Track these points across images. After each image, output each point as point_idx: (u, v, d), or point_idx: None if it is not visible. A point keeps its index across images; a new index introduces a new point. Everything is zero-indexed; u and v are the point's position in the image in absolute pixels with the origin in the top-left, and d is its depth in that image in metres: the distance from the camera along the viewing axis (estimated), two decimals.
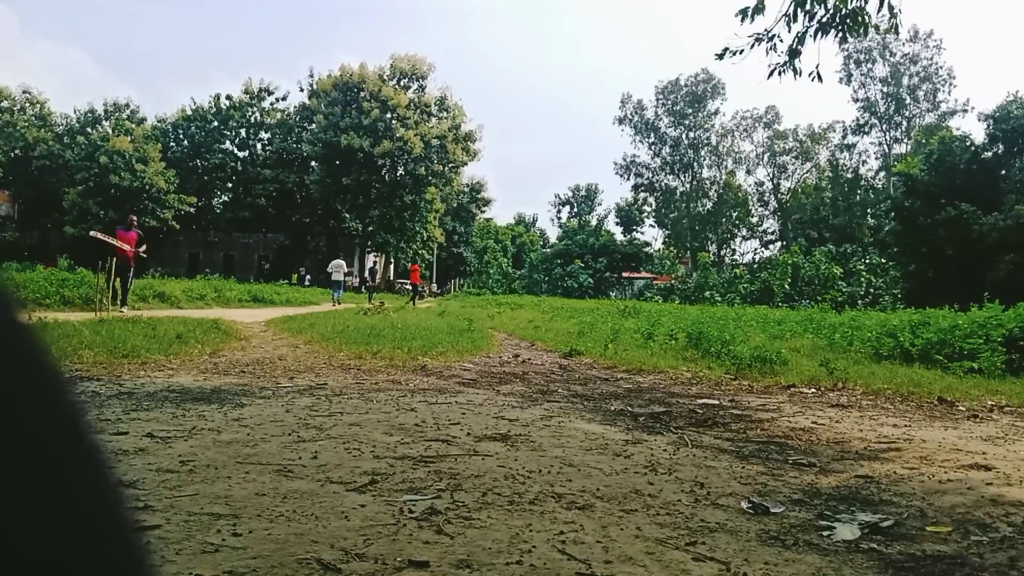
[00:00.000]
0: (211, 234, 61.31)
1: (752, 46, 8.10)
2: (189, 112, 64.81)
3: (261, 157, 63.85)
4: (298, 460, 3.48)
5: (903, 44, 66.35)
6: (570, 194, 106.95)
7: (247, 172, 63.23)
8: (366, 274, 39.45)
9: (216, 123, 64.13)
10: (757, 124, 79.05)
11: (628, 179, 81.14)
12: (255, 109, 65.36)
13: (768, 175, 79.67)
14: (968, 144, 31.71)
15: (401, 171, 54.57)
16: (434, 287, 68.73)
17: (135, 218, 15.49)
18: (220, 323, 11.57)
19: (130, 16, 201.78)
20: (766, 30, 8.06)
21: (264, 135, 65.47)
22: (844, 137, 72.11)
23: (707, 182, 79.59)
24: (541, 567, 2.24)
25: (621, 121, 79.70)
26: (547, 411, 5.31)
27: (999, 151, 31.51)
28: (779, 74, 8.18)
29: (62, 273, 19.69)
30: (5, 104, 65.70)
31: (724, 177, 79.10)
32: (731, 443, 4.42)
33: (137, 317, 11.23)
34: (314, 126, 55.40)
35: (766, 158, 78.79)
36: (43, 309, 13.32)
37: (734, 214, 79.24)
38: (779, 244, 74.42)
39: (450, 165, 56.28)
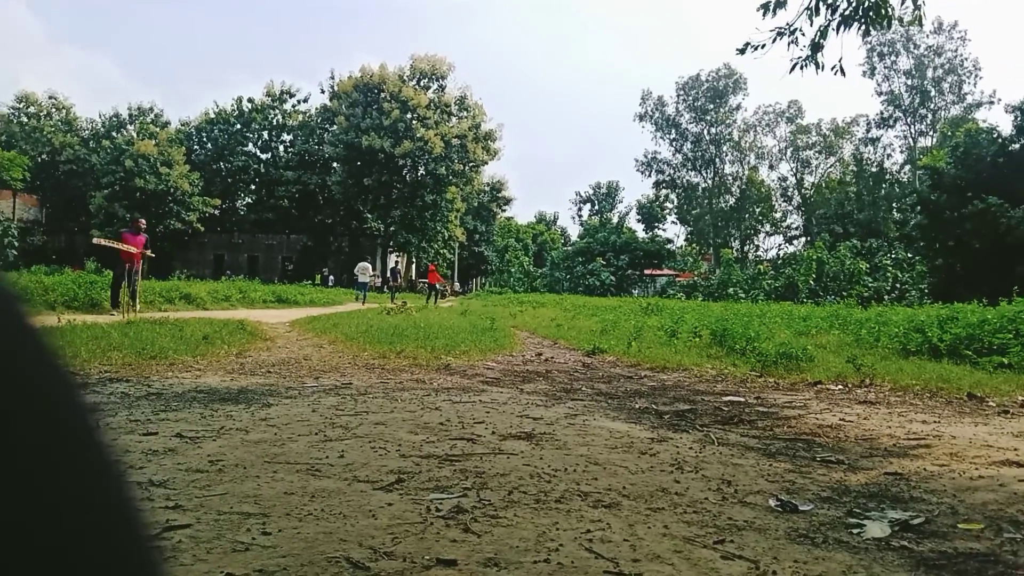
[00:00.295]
0: (235, 236, 61.90)
1: (774, 40, 8.05)
2: (212, 115, 65.48)
3: (283, 159, 64.36)
4: (325, 459, 3.51)
5: (927, 36, 65.59)
6: (591, 192, 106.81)
7: (270, 174, 63.75)
8: (388, 274, 39.70)
9: (239, 126, 64.73)
10: (779, 119, 78.49)
11: (649, 176, 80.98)
12: (277, 111, 65.89)
13: (791, 170, 79.07)
14: (995, 136, 31.24)
15: (422, 171, 54.76)
16: (456, 286, 68.95)
17: (143, 222, 15.33)
18: (246, 324, 11.68)
19: (153, 22, 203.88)
20: (788, 24, 8.01)
21: (286, 137, 65.99)
22: (868, 131, 71.41)
23: (729, 178, 79.12)
24: (569, 565, 2.24)
25: (641, 118, 79.47)
26: (571, 409, 5.30)
27: None
28: (801, 68, 8.12)
29: (89, 276, 19.98)
30: (32, 110, 66.76)
31: (747, 173, 78.56)
32: (758, 440, 4.39)
33: (164, 319, 11.36)
34: (335, 127, 55.74)
35: (789, 153, 78.17)
36: (71, 312, 13.50)
37: (757, 210, 78.67)
38: (803, 240, 73.80)
39: (470, 164, 56.40)
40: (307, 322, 14.30)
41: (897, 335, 10.45)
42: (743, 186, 78.30)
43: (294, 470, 3.29)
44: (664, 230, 78.67)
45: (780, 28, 7.95)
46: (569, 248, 58.19)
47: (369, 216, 57.55)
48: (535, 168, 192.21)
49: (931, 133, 65.94)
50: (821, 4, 7.64)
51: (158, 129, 61.74)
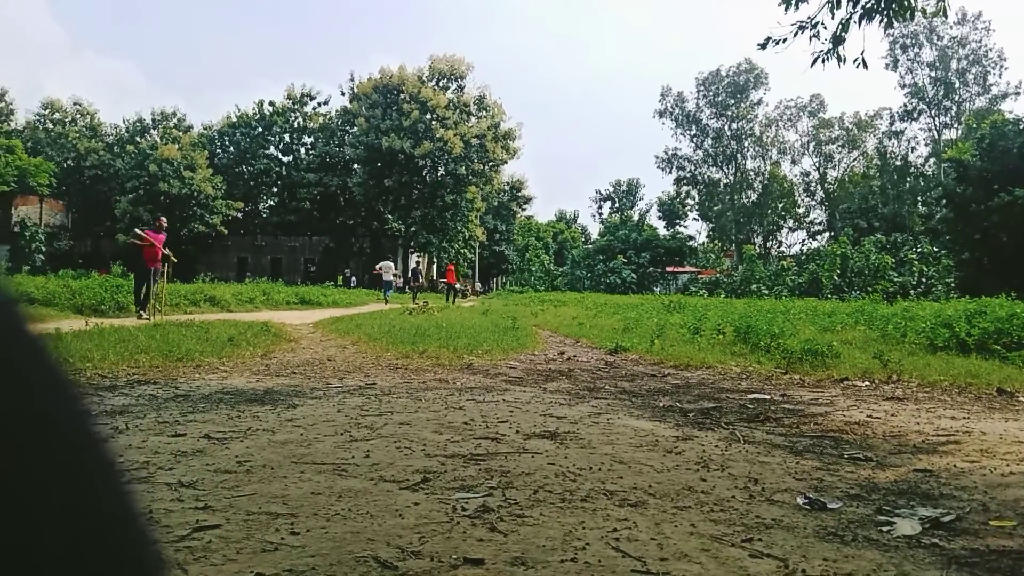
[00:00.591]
0: (258, 238, 62.43)
1: (795, 34, 7.99)
2: (234, 119, 66.05)
3: (305, 161, 64.79)
4: (351, 459, 3.53)
5: (950, 27, 64.72)
6: (611, 189, 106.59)
7: (291, 176, 64.21)
8: (409, 274, 39.93)
9: (260, 129, 65.25)
10: (802, 113, 77.82)
11: (670, 172, 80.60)
12: (298, 114, 66.34)
13: (814, 165, 78.41)
14: (1021, 127, 30.73)
15: (442, 171, 54.87)
16: (477, 286, 69.00)
17: (164, 220, 15.21)
18: (270, 325, 11.77)
19: (175, 28, 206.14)
20: (809, 18, 7.94)
21: (307, 139, 66.43)
22: (892, 124, 70.63)
23: (751, 173, 78.56)
24: (596, 564, 2.24)
25: (661, 114, 79.12)
26: (595, 408, 5.30)
27: None
28: (823, 62, 8.05)
29: (116, 279, 20.24)
30: (57, 116, 67.79)
31: (769, 168, 77.94)
32: (784, 438, 4.36)
33: (190, 321, 11.48)
34: (355, 129, 56.01)
35: (811, 147, 77.50)
36: (98, 315, 13.69)
37: (780, 205, 78.05)
38: (827, 235, 73.14)
39: (490, 164, 56.42)
40: (330, 323, 14.39)
41: (924, 330, 10.32)
42: (765, 181, 77.69)
43: (321, 470, 3.32)
44: (685, 227, 78.25)
45: (802, 22, 7.89)
46: (590, 246, 58.05)
47: (390, 217, 57.77)
48: (555, 166, 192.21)
49: (956, 125, 65.04)
50: None
51: (181, 134, 62.44)
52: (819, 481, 3.33)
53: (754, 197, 78.04)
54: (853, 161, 76.41)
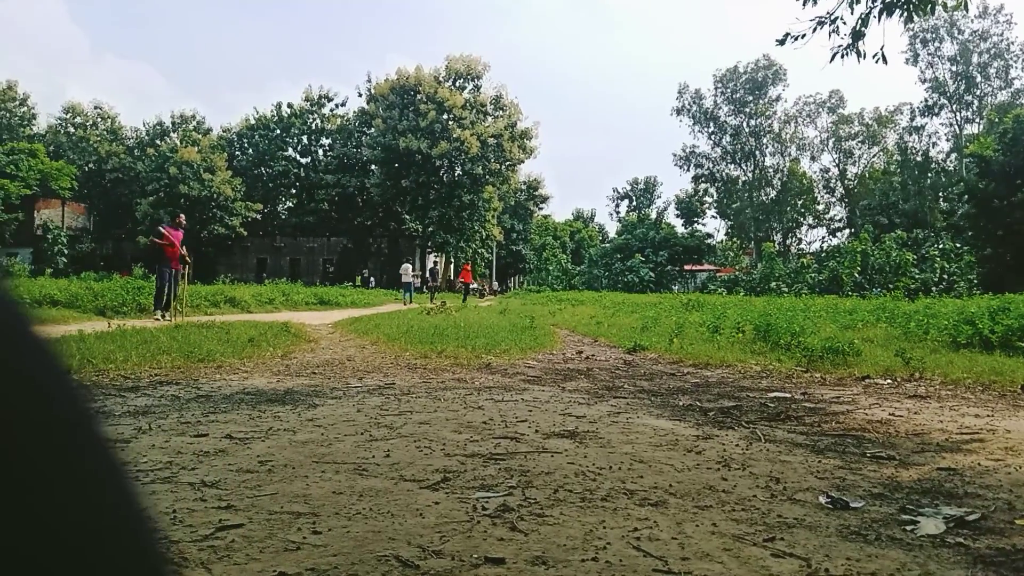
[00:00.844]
0: (277, 239, 62.83)
1: (814, 30, 7.93)
2: (252, 121, 66.55)
3: (323, 163, 65.17)
4: (372, 459, 3.54)
5: (971, 21, 63.89)
6: (628, 188, 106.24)
7: (310, 178, 64.60)
8: (427, 274, 40.10)
9: (278, 131, 65.69)
10: (821, 109, 77.14)
11: (688, 170, 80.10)
12: (315, 116, 66.73)
13: (834, 161, 77.74)
14: None
15: (459, 171, 54.98)
16: (495, 285, 69.05)
17: (183, 218, 15.02)
18: (289, 326, 11.85)
19: (194, 31, 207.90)
20: (828, 13, 7.88)
21: (325, 141, 66.81)
22: (912, 119, 69.82)
23: (770, 170, 77.98)
24: (617, 564, 2.24)
25: (679, 112, 78.69)
26: (614, 407, 5.28)
27: None
28: (842, 57, 7.98)
29: (137, 281, 20.45)
30: (79, 120, 68.61)
31: (788, 164, 77.36)
32: (805, 437, 4.33)
33: (211, 322, 11.57)
34: (373, 130, 56.24)
35: (831, 144, 76.82)
36: (120, 317, 13.82)
37: (799, 202, 77.45)
38: (847, 232, 72.52)
39: (507, 163, 56.47)
40: (349, 323, 14.46)
41: (946, 327, 10.21)
42: (784, 178, 77.10)
43: (341, 470, 3.33)
44: (704, 225, 77.67)
45: (820, 17, 7.84)
46: (607, 245, 57.88)
47: (407, 217, 57.97)
48: (572, 165, 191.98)
49: (978, 120, 64.24)
50: None
51: (201, 136, 63.00)
52: (841, 480, 3.31)
53: (773, 194, 77.46)
54: (873, 157, 75.70)
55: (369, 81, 60.18)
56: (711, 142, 78.43)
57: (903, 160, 68.58)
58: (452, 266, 61.45)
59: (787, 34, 8.05)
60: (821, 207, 79.22)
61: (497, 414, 4.84)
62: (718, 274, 47.51)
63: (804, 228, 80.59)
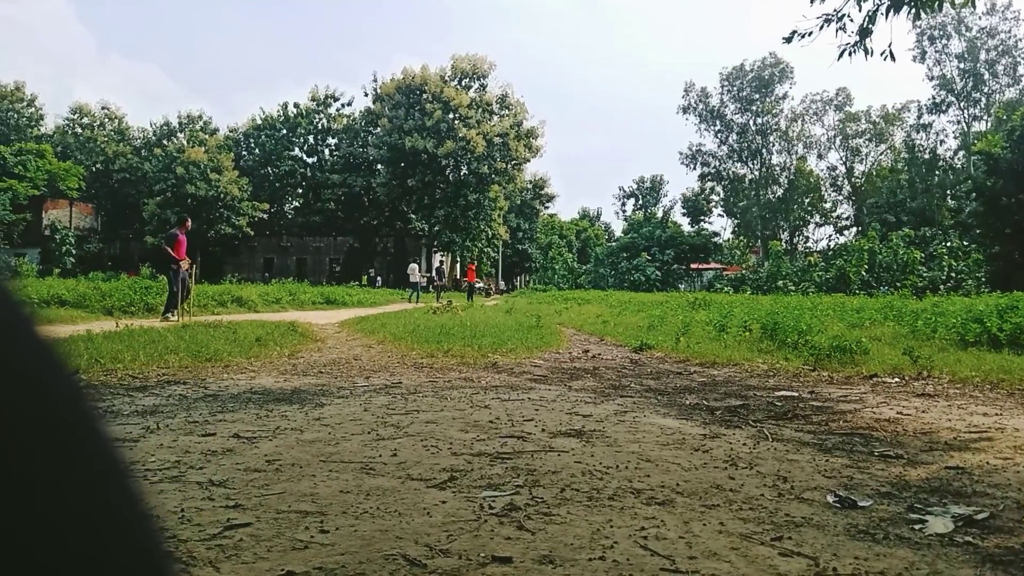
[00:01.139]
0: (284, 239, 62.98)
1: (821, 27, 7.91)
2: (259, 121, 66.73)
3: (329, 162, 65.31)
4: (379, 458, 3.55)
5: (979, 18, 63.59)
6: (634, 186, 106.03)
7: (316, 178, 64.75)
8: (433, 273, 40.16)
9: (285, 131, 65.86)
10: (828, 107, 76.94)
11: (694, 168, 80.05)
12: (322, 116, 66.88)
13: (841, 159, 77.52)
14: None
15: (465, 170, 55.02)
16: (501, 284, 69.06)
17: (189, 221, 14.96)
18: (296, 325, 11.87)
19: (200, 31, 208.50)
20: (835, 10, 7.86)
21: (331, 141, 66.96)
22: (920, 117, 69.50)
23: (777, 168, 77.81)
24: (624, 563, 2.23)
25: (685, 110, 78.58)
26: (621, 406, 5.28)
27: None
28: (850, 55, 7.95)
29: (145, 281, 20.52)
30: (86, 121, 68.89)
31: (795, 163, 77.16)
32: (813, 436, 4.32)
33: (218, 322, 11.61)
34: (379, 130, 56.35)
35: (838, 142, 76.62)
36: (128, 317, 13.87)
37: (806, 200, 77.25)
38: (854, 230, 72.27)
39: (513, 162, 56.47)
40: (356, 323, 14.48)
41: (954, 326, 10.16)
42: (791, 176, 76.91)
43: (349, 469, 3.34)
44: (710, 223, 77.54)
45: (827, 15, 7.81)
46: (613, 244, 57.80)
47: (413, 216, 58.06)
48: (578, 164, 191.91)
49: (985, 117, 63.91)
50: None
51: (207, 136, 63.22)
52: (849, 479, 3.30)
53: (780, 192, 77.29)
54: (880, 155, 75.46)
55: (375, 81, 60.32)
56: (717, 140, 78.35)
57: (910, 158, 68.30)
58: (458, 265, 61.51)
59: (794, 32, 8.03)
60: (828, 205, 79.02)
61: (504, 413, 4.84)
62: (725, 273, 47.34)
63: (811, 226, 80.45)
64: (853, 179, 76.29)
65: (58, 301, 15.01)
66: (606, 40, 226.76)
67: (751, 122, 76.38)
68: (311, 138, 66.77)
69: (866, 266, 37.01)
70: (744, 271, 45.59)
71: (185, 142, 63.03)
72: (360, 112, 65.47)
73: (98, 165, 65.57)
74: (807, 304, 18.23)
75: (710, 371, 7.77)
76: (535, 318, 14.93)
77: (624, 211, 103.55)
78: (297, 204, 68.48)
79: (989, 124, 59.86)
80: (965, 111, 66.16)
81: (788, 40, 8.06)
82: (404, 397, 5.52)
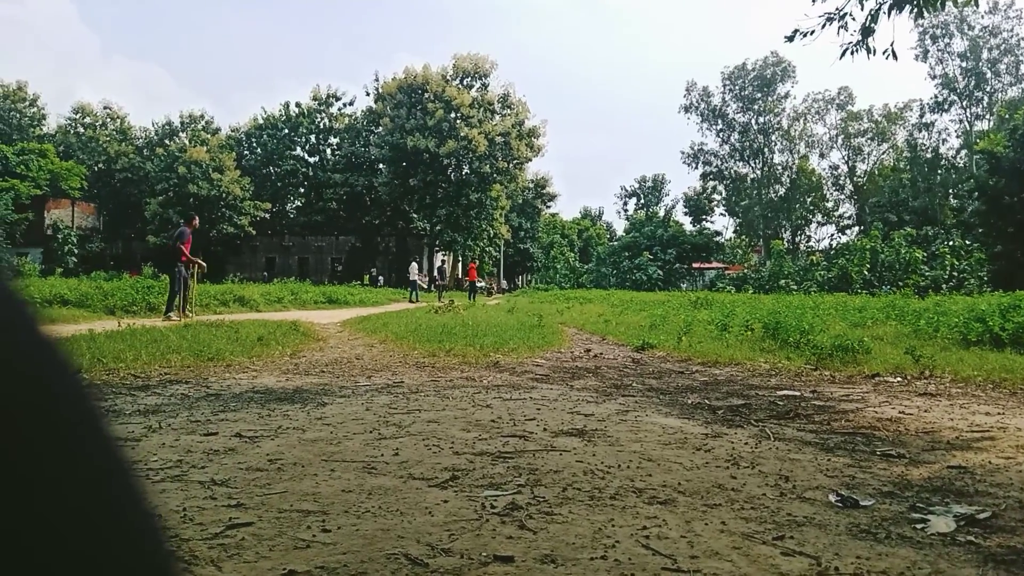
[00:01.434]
0: (285, 238, 63.01)
1: (823, 26, 7.90)
2: (261, 121, 66.74)
3: (331, 162, 65.32)
4: (380, 457, 3.55)
5: (982, 16, 63.53)
6: (636, 186, 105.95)
7: (318, 177, 64.77)
8: (435, 273, 40.21)
9: (287, 130, 65.88)
10: (830, 106, 76.88)
11: (696, 168, 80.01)
12: (324, 115, 66.89)
13: (843, 158, 77.45)
14: None
15: (466, 170, 55.01)
16: (503, 284, 69.06)
17: (196, 219, 14.88)
18: (298, 325, 11.87)
19: (203, 32, 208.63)
20: (838, 9, 7.85)
21: (333, 140, 66.97)
22: (922, 116, 69.47)
23: (779, 167, 77.77)
24: (626, 562, 2.23)
25: (687, 109, 78.55)
26: (622, 405, 5.28)
27: None
28: (852, 53, 7.95)
29: (147, 280, 20.55)
30: (88, 120, 68.91)
31: (796, 162, 77.08)
32: (815, 435, 4.32)
33: (220, 321, 11.61)
34: (381, 129, 56.37)
35: (840, 141, 76.56)
36: (130, 316, 13.88)
37: (808, 199, 77.17)
38: (856, 229, 72.20)
39: (515, 162, 56.43)
40: (357, 322, 14.48)
41: (957, 325, 10.15)
42: (793, 175, 76.85)
43: (351, 468, 3.34)
44: (712, 223, 77.49)
45: (830, 13, 7.80)
46: (615, 243, 57.79)
47: (415, 216, 58.05)
48: (579, 163, 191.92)
49: (988, 116, 63.85)
50: None
51: (209, 136, 63.20)
52: (851, 478, 3.29)
53: (782, 191, 77.23)
54: (883, 154, 75.39)
55: (377, 80, 60.30)
56: (719, 139, 78.31)
57: (913, 157, 68.23)
58: (460, 265, 61.51)
59: (796, 30, 8.02)
60: (830, 204, 78.95)
61: (505, 412, 4.84)
62: (727, 272, 47.32)
63: (813, 225, 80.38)
64: (855, 178, 76.22)
65: (60, 300, 15.03)
66: (607, 40, 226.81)
67: (753, 121, 76.34)
68: (313, 137, 66.79)
69: (868, 265, 36.97)
70: (746, 270, 45.56)
71: (187, 142, 63.03)
72: (362, 111, 65.51)
73: (100, 165, 65.61)
74: (809, 303, 18.21)
75: (712, 370, 7.77)
76: (537, 317, 14.93)
77: (626, 210, 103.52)
78: (299, 203, 68.51)
79: (991, 123, 59.81)
80: (967, 110, 66.12)
81: (790, 39, 8.05)
82: (406, 396, 5.52)
